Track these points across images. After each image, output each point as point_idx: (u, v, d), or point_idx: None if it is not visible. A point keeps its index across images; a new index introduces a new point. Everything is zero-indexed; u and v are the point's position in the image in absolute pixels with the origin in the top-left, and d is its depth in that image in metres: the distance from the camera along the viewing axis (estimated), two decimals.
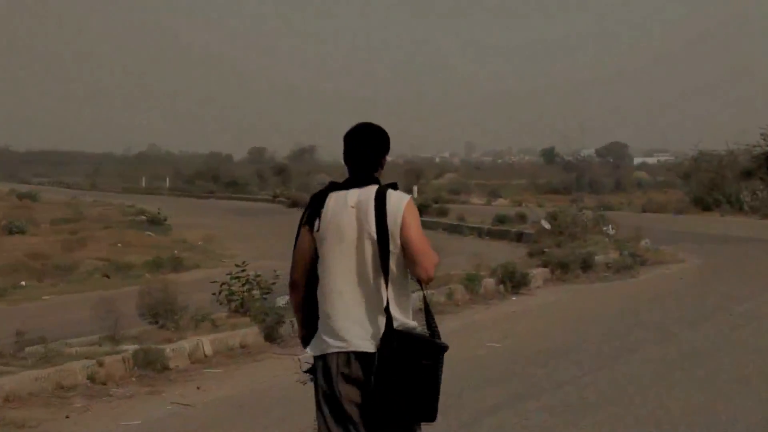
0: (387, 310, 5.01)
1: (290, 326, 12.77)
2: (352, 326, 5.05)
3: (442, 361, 5.10)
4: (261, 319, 12.80)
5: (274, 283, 13.73)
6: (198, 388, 10.52)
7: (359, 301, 5.07)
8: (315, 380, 5.24)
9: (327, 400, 5.15)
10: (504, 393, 9.85)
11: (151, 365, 10.94)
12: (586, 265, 20.43)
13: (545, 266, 19.95)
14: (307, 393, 5.36)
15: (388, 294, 5.03)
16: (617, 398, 9.62)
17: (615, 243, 24.08)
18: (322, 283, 5.17)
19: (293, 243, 5.33)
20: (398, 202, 5.08)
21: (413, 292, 5.22)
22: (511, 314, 15.73)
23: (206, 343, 11.93)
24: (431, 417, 5.07)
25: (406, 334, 5.01)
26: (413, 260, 5.04)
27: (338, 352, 5.08)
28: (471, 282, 17.09)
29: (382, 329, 4.99)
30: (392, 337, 4.97)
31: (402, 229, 5.03)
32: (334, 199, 5.16)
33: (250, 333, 12.65)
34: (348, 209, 5.10)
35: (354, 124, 5.33)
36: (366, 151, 5.21)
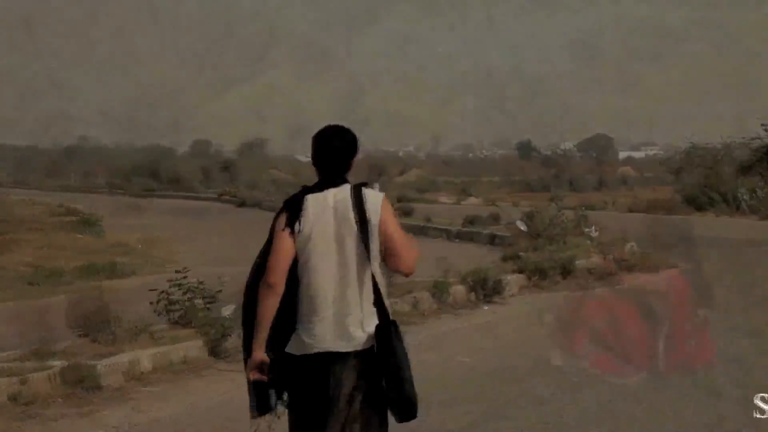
0: (378, 303, 5.62)
1: (237, 339, 12.70)
2: (338, 326, 5.54)
3: None
4: (205, 332, 12.74)
5: (219, 291, 13.62)
6: (134, 408, 10.47)
7: (345, 300, 5.57)
8: (286, 383, 5.63)
9: (304, 399, 5.57)
10: (475, 413, 9.87)
11: (81, 383, 10.86)
12: (566, 271, 20.44)
13: (521, 272, 19.94)
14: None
15: (375, 288, 5.59)
16: (601, 418, 9.65)
17: (598, 246, 24.09)
18: (305, 284, 5.63)
19: (259, 248, 5.74)
20: (375, 200, 5.72)
21: None
22: (483, 325, 15.75)
23: (144, 357, 11.87)
24: (415, 412, 5.57)
25: (397, 326, 5.59)
26: (396, 254, 5.64)
27: (326, 352, 5.53)
28: (438, 289, 17.07)
29: (373, 324, 5.57)
30: (389, 327, 5.51)
31: (381, 225, 5.66)
32: (312, 201, 5.71)
33: (192, 347, 12.59)
34: (329, 209, 5.68)
35: (323, 126, 5.86)
36: (338, 153, 5.77)
